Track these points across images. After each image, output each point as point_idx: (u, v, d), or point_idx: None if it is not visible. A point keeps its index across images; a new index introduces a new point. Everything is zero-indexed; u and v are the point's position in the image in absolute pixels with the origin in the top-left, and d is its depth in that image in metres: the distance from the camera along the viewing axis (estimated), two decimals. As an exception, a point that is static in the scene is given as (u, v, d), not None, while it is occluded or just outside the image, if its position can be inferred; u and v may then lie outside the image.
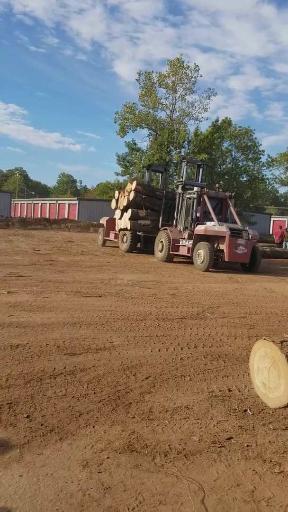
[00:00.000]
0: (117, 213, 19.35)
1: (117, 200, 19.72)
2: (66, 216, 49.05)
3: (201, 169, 19.13)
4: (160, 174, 21.55)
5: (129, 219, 17.75)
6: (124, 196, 18.54)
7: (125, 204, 18.30)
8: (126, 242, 18.50)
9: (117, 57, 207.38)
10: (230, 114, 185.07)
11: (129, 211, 17.82)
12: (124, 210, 18.52)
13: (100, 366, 4.21)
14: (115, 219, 19.88)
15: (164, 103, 35.52)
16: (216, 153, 36.05)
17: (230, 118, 36.83)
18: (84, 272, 11.17)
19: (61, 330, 5.36)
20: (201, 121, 36.91)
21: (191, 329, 5.98)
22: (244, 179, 39.18)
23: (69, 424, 3.01)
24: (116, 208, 19.71)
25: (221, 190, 17.29)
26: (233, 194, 17.40)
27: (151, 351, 4.83)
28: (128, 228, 17.82)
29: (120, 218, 18.96)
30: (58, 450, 2.67)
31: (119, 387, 3.73)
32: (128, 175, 37.08)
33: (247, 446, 2.91)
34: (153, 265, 14.67)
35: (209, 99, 35.19)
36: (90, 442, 2.79)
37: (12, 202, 54.05)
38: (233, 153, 38.96)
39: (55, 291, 7.98)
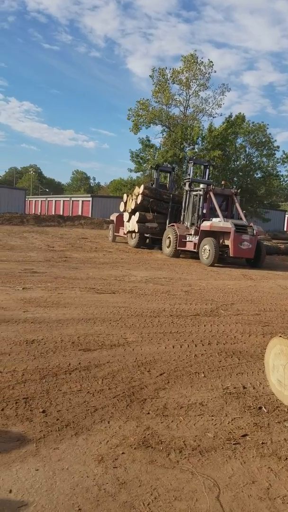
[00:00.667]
0: (126, 215, 19.73)
1: (125, 203, 20.12)
2: (79, 213, 49.28)
3: (207, 170, 19.61)
4: (168, 174, 21.83)
5: (137, 221, 18.23)
6: (132, 200, 18.92)
7: (133, 207, 18.72)
8: (134, 238, 19.20)
9: (130, 53, 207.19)
10: (244, 109, 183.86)
11: (137, 214, 18.26)
12: (132, 213, 18.88)
13: (115, 362, 4.23)
14: (122, 215, 20.40)
15: (177, 99, 35.41)
16: (229, 149, 35.77)
17: (244, 114, 36.53)
18: (98, 268, 11.21)
19: (75, 326, 5.39)
20: (215, 117, 36.80)
21: (205, 326, 5.97)
22: (258, 175, 38.82)
23: (84, 419, 3.03)
24: (124, 211, 20.09)
25: (234, 188, 17.52)
26: (238, 190, 17.67)
27: (165, 347, 4.83)
28: (136, 231, 18.29)
29: (128, 221, 19.37)
30: (74, 445, 2.69)
31: (134, 383, 3.75)
32: (142, 172, 37.10)
33: (262, 443, 2.90)
34: (166, 262, 14.66)
35: (223, 95, 34.98)
36: (105, 437, 2.81)
37: (26, 199, 54.42)
38: (247, 149, 38.65)
39: (69, 287, 8.03)
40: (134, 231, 18.56)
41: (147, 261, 14.28)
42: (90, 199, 52.31)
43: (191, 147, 34.60)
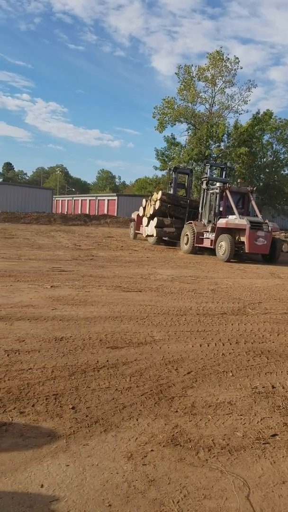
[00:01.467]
0: (144, 220, 20.38)
1: (144, 208, 20.80)
2: (105, 212, 49.56)
3: (224, 171, 20.10)
4: (187, 175, 22.39)
5: (155, 227, 18.73)
6: (151, 205, 19.48)
7: (151, 212, 19.31)
8: (153, 237, 19.84)
9: (155, 52, 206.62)
10: (271, 106, 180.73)
11: (155, 219, 18.84)
12: (151, 218, 19.46)
13: (142, 360, 4.24)
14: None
15: (203, 96, 35.21)
16: (256, 146, 35.34)
17: (271, 111, 36.00)
18: (124, 267, 11.26)
19: (103, 324, 5.44)
20: (241, 113, 36.57)
21: (232, 324, 5.92)
22: (286, 172, 38.22)
23: (113, 416, 3.06)
24: (143, 216, 20.75)
25: (250, 186, 18.40)
26: (254, 188, 17.96)
27: (192, 346, 4.82)
28: (154, 235, 18.86)
29: (147, 225, 19.97)
30: (103, 442, 2.72)
31: (161, 381, 3.75)
32: (167, 170, 37.03)
33: (293, 444, 2.86)
34: (192, 260, 14.61)
35: (249, 91, 34.60)
36: (134, 434, 2.83)
37: (53, 198, 55.12)
38: (274, 145, 38.06)
39: (96, 285, 8.09)
40: (152, 235, 19.22)
41: (173, 260, 14.26)
42: (115, 198, 52.56)
43: (216, 144, 34.36)
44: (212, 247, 15.76)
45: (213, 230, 15.84)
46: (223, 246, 14.90)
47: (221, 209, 16.38)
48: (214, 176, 19.84)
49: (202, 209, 17.52)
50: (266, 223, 15.29)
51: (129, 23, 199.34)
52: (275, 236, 16.00)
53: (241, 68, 35.00)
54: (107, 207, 52.47)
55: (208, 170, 18.78)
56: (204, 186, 17.61)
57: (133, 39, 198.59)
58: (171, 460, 2.56)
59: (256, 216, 16.43)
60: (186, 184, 22.35)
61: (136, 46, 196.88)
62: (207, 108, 36.07)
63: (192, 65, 34.76)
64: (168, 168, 23.41)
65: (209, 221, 16.60)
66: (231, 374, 4.04)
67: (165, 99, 34.57)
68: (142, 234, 21.11)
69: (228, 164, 26.43)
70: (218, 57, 33.61)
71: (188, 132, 36.15)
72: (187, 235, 17.12)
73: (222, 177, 19.68)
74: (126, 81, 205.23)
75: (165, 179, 36.12)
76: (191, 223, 17.21)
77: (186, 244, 17.08)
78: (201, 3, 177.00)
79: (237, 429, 3.00)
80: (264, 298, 8.18)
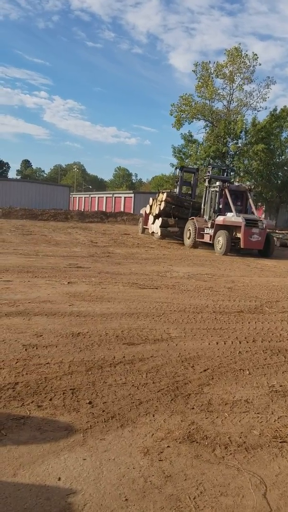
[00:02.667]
0: (151, 218, 21.35)
1: (151, 206, 21.75)
2: (122, 209, 49.68)
3: (225, 173, 21.72)
4: (193, 174, 23.26)
5: (160, 226, 19.65)
6: (157, 205, 20.40)
7: (157, 212, 20.22)
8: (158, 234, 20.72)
9: (172, 49, 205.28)
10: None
11: (160, 219, 19.72)
12: (156, 217, 20.39)
13: (158, 356, 4.25)
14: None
15: (221, 93, 34.95)
16: (274, 143, 34.95)
17: (290, 107, 35.49)
18: (140, 264, 11.27)
19: (119, 320, 5.46)
20: (259, 110, 35.95)
21: (249, 323, 5.89)
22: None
23: (130, 411, 3.07)
24: (149, 213, 21.69)
25: (248, 184, 19.80)
26: (253, 187, 19.39)
27: (209, 343, 4.80)
28: (159, 234, 19.76)
29: (153, 223, 20.86)
30: (120, 437, 2.73)
31: (178, 378, 3.75)
32: (173, 169, 36.91)
33: (310, 443, 2.83)
34: (208, 258, 14.55)
35: (268, 88, 34.19)
36: (150, 430, 2.84)
37: (70, 195, 55.43)
38: (292, 142, 37.59)
39: (112, 282, 8.12)
40: (157, 234, 20.25)
41: (189, 257, 14.22)
42: (132, 195, 52.64)
43: (234, 141, 34.09)
44: (211, 242, 16.81)
45: (212, 226, 16.86)
46: (220, 241, 16.00)
47: (220, 206, 17.35)
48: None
49: (204, 206, 18.53)
50: (261, 220, 16.45)
51: (147, 20, 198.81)
52: (269, 233, 17.14)
53: (260, 64, 34.68)
54: (123, 205, 52.58)
55: (211, 169, 19.85)
56: (206, 184, 18.64)
57: (151, 36, 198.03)
58: (187, 457, 2.56)
59: (253, 213, 17.64)
60: (192, 182, 23.18)
61: (153, 43, 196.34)
62: (225, 105, 35.83)
63: (209, 62, 34.61)
64: (175, 167, 23.90)
65: (209, 217, 17.52)
66: (247, 372, 4.02)
67: (183, 96, 34.45)
68: (149, 229, 22.00)
69: (230, 166, 28.12)
70: (236, 54, 33.31)
71: (206, 129, 35.96)
72: (189, 230, 18.23)
73: (224, 176, 20.88)
74: (144, 78, 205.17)
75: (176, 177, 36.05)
76: (193, 218, 18.28)
77: (189, 238, 18.21)
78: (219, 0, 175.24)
79: (254, 427, 2.99)
80: (281, 296, 8.10)
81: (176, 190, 21.92)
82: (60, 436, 2.70)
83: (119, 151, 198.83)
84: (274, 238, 21.16)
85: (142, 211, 24.31)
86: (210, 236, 16.85)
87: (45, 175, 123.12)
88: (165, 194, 20.22)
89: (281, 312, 6.68)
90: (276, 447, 2.75)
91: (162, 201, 19.77)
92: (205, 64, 34.09)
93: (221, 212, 17.04)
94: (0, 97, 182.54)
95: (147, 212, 22.19)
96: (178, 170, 23.04)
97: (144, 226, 23.16)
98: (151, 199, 22.15)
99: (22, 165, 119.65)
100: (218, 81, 34.92)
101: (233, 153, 34.16)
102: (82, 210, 47.63)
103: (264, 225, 15.99)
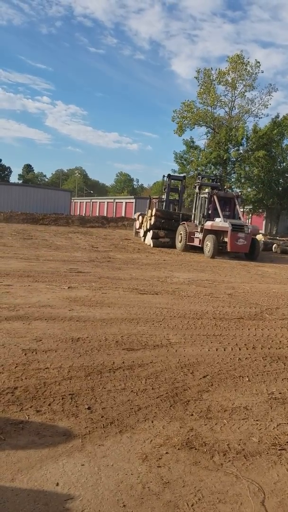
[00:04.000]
0: (141, 232, 22.66)
1: (140, 223, 23.32)
2: (123, 214, 49.75)
3: (214, 182, 22.31)
4: (180, 181, 24.62)
5: (151, 238, 20.52)
6: (147, 220, 21.56)
7: (148, 227, 21.24)
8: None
9: (174, 55, 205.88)
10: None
11: (151, 232, 20.68)
12: (148, 230, 21.44)
13: (158, 362, 4.25)
14: (144, 214, 23.80)
15: (223, 100, 35.07)
16: (275, 150, 35.02)
17: (291, 114, 35.58)
18: (141, 269, 11.28)
19: (119, 326, 5.46)
20: (261, 117, 36.03)
21: (249, 329, 5.88)
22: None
23: (129, 417, 3.07)
24: (139, 228, 23.41)
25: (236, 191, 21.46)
26: (240, 194, 20.81)
27: (208, 350, 4.80)
28: (152, 246, 20.43)
29: (144, 236, 21.98)
30: (118, 442, 2.73)
31: (177, 384, 3.75)
32: (185, 173, 36.99)
33: (309, 451, 2.82)
34: (209, 264, 14.56)
35: (269, 95, 34.31)
36: (149, 436, 2.83)
37: (72, 200, 55.53)
38: (294, 150, 37.64)
39: (113, 287, 8.13)
40: (150, 245, 20.89)
41: (190, 263, 14.23)
42: (133, 200, 52.74)
43: (235, 148, 34.18)
44: (200, 245, 17.75)
45: (201, 231, 17.80)
46: (208, 245, 16.96)
47: (209, 212, 18.31)
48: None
49: (194, 211, 19.57)
50: (247, 225, 17.58)
51: (149, 26, 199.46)
52: (254, 237, 18.13)
53: (262, 71, 34.77)
54: (124, 210, 52.68)
55: (200, 177, 20.90)
56: (196, 190, 19.63)
57: (153, 42, 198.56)
58: (186, 463, 2.56)
59: (240, 219, 18.73)
60: (179, 189, 24.47)
61: (156, 49, 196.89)
62: (226, 112, 35.94)
63: (212, 68, 34.70)
64: (163, 175, 24.80)
65: (199, 223, 18.49)
66: (247, 379, 4.02)
67: (185, 103, 34.54)
68: (140, 233, 23.69)
69: (218, 175, 29.40)
70: (238, 61, 33.46)
71: (207, 136, 36.06)
72: (181, 234, 19.12)
73: (213, 183, 21.88)
74: (146, 84, 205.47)
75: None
76: (184, 223, 19.21)
77: (180, 242, 19.08)
78: (221, 7, 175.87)
79: (253, 434, 2.98)
80: (281, 303, 8.10)
81: (164, 196, 23.87)
82: (58, 441, 2.69)
83: (121, 157, 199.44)
84: (275, 244, 22.59)
85: (135, 216, 26.25)
86: (200, 240, 17.87)
87: (46, 179, 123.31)
88: (154, 209, 21.59)
89: (281, 319, 6.68)
90: (275, 455, 2.75)
91: (151, 216, 21.03)
92: (207, 70, 34.25)
93: (210, 217, 18.10)
94: (2, 102, 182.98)
95: (137, 227, 24.18)
96: (165, 177, 24.31)
97: (137, 230, 24.78)
98: (140, 217, 24.03)
99: (24, 169, 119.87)
100: (220, 87, 35.07)
101: (234, 159, 34.24)
102: (83, 215, 47.72)
103: (249, 230, 17.14)
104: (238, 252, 17.65)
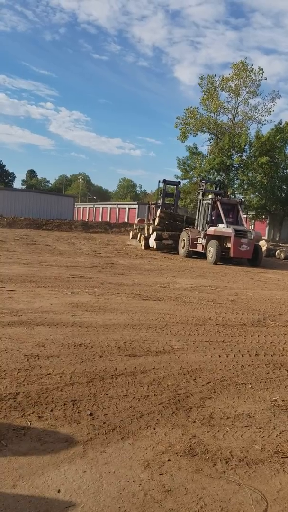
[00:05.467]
0: (142, 242, 22.50)
1: (135, 235, 24.04)
2: (126, 220, 49.78)
3: (218, 187, 23.68)
4: (175, 186, 25.27)
5: (155, 240, 20.49)
6: (149, 225, 21.71)
7: (150, 232, 21.21)
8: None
9: (177, 62, 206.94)
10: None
11: (155, 233, 20.58)
12: (152, 232, 21.35)
13: (160, 369, 4.23)
14: (143, 219, 25.50)
15: (226, 106, 35.17)
16: (278, 156, 35.03)
17: (294, 121, 35.64)
18: (143, 275, 11.28)
19: (121, 332, 5.45)
20: (264, 124, 36.08)
21: (251, 336, 5.86)
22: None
23: (131, 424, 3.05)
24: (133, 237, 24.12)
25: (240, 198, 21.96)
26: (243, 200, 21.08)
27: (211, 356, 4.78)
28: (155, 247, 20.54)
29: (147, 239, 21.63)
30: (120, 449, 2.72)
31: (179, 390, 3.74)
32: (188, 179, 37.04)
33: (312, 459, 2.80)
34: (212, 270, 14.54)
35: (273, 102, 34.40)
36: (151, 443, 2.82)
37: (75, 206, 55.62)
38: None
39: (115, 293, 8.12)
40: (153, 248, 20.83)
41: (192, 269, 14.22)
42: (136, 206, 52.79)
43: (238, 154, 34.22)
44: (203, 251, 17.69)
45: (204, 237, 17.83)
46: (211, 250, 16.85)
47: (213, 218, 18.33)
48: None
49: (198, 217, 19.61)
50: (250, 231, 17.58)
51: (153, 33, 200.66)
52: (257, 243, 18.07)
53: (265, 78, 34.90)
54: (127, 215, 52.73)
55: (204, 183, 21.08)
56: (200, 197, 19.75)
57: (156, 49, 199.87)
58: (188, 471, 2.54)
59: (243, 225, 18.81)
60: (174, 194, 25.15)
61: (159, 56, 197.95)
62: (229, 118, 36.03)
63: (215, 75, 34.85)
64: (159, 180, 25.39)
65: (202, 228, 18.53)
66: (250, 386, 4.00)
67: (188, 109, 34.67)
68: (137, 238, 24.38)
69: (222, 181, 30.31)
70: (242, 68, 33.59)
71: (210, 142, 36.15)
72: (183, 240, 19.13)
73: (217, 190, 22.35)
74: (149, 91, 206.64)
75: (186, 188, 36.14)
76: (187, 229, 19.27)
77: (183, 248, 19.04)
78: (224, 14, 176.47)
79: (256, 442, 2.96)
80: (284, 310, 8.07)
81: (160, 202, 24.16)
82: (60, 448, 2.68)
83: (124, 163, 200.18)
84: (278, 250, 22.63)
85: (135, 221, 27.96)
86: (202, 245, 17.84)
87: (50, 185, 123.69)
88: (158, 210, 21.76)
89: (284, 326, 6.65)
90: (278, 463, 2.73)
91: (156, 217, 21.17)
92: (211, 77, 34.38)
93: (213, 223, 18.09)
94: (6, 108, 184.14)
95: (130, 237, 24.71)
96: (161, 183, 24.65)
97: (134, 233, 25.80)
98: (136, 221, 24.91)
99: (27, 175, 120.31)
100: (224, 94, 35.19)
101: (237, 165, 34.26)
102: (86, 221, 47.78)
103: (252, 236, 17.16)
104: (241, 258, 17.70)
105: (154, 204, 25.98)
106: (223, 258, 17.05)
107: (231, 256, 17.01)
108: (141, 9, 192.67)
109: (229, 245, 16.94)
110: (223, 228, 17.27)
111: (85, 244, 20.68)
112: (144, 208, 47.80)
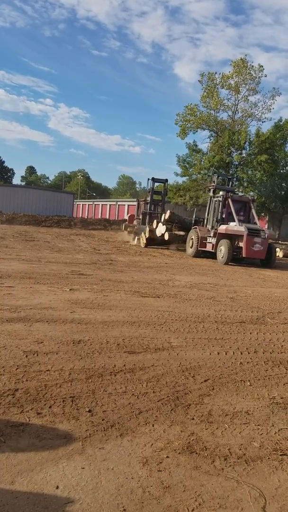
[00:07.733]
0: (133, 235, 22.96)
1: (138, 238, 22.77)
2: (125, 217, 49.69)
3: (230, 182, 22.22)
4: (163, 184, 25.57)
5: (166, 231, 19.80)
6: (156, 227, 20.60)
7: (159, 234, 20.14)
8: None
9: (177, 58, 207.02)
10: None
11: (164, 226, 19.93)
12: (162, 224, 20.49)
13: (159, 366, 4.23)
14: (134, 215, 26.30)
15: (226, 104, 35.14)
16: (278, 154, 35.03)
17: (294, 118, 35.59)
18: (143, 272, 11.27)
19: (120, 328, 5.45)
20: (264, 121, 36.12)
21: (250, 333, 5.87)
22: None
23: (129, 421, 3.05)
24: (133, 238, 22.97)
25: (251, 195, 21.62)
26: (255, 198, 20.02)
27: (210, 353, 4.79)
28: (166, 238, 19.77)
29: (155, 228, 20.74)
30: (119, 446, 2.72)
31: (178, 387, 3.74)
32: (188, 177, 37.04)
33: (311, 456, 2.81)
34: (211, 267, 14.54)
35: (273, 99, 34.37)
36: (149, 440, 2.82)
37: (74, 203, 55.52)
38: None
39: (114, 290, 8.12)
40: (163, 239, 19.94)
41: (192, 266, 14.22)
42: (135, 203, 52.69)
43: (238, 152, 34.21)
44: (213, 251, 16.83)
45: (215, 235, 16.97)
46: (222, 250, 16.03)
47: (223, 216, 17.51)
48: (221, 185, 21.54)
49: (207, 215, 18.58)
50: (263, 230, 16.67)
51: (152, 30, 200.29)
52: (271, 243, 17.34)
53: (265, 76, 34.84)
54: (127, 212, 52.65)
55: (215, 179, 19.97)
56: (210, 193, 18.77)
57: (156, 45, 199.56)
58: (186, 468, 2.54)
59: (255, 223, 17.70)
60: (162, 191, 25.36)
61: (158, 52, 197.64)
62: (229, 116, 36.02)
63: (215, 72, 34.77)
64: (147, 178, 25.97)
65: (212, 227, 17.65)
66: (248, 384, 4.00)
67: (188, 106, 34.66)
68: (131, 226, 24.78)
69: (234, 175, 29.73)
70: (242, 65, 33.54)
71: (210, 139, 36.15)
72: (192, 239, 18.27)
73: (228, 186, 20.93)
74: (148, 87, 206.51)
75: (186, 186, 36.15)
76: (196, 228, 18.39)
77: (191, 247, 18.18)
78: (224, 11, 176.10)
79: (254, 439, 2.97)
80: (283, 307, 8.08)
81: (148, 199, 24.32)
82: (59, 444, 2.68)
83: (123, 159, 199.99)
84: (278, 248, 21.75)
85: (126, 216, 28.85)
86: (213, 245, 16.96)
87: (49, 181, 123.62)
88: (168, 211, 21.07)
89: (283, 323, 6.66)
90: (276, 460, 2.73)
91: (164, 219, 20.62)
92: (211, 74, 34.33)
93: (224, 221, 17.22)
94: (5, 104, 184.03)
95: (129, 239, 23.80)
96: (150, 180, 24.79)
97: (128, 224, 26.41)
98: (134, 239, 23.91)
99: (26, 171, 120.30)
100: (224, 91, 35.15)
101: (237, 163, 34.26)
102: (86, 217, 47.76)
103: (266, 235, 16.22)
104: (254, 259, 16.73)
105: (143, 201, 26.25)
106: (234, 258, 16.13)
107: (244, 256, 16.06)
108: (140, 5, 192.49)
109: (241, 244, 16.00)
110: (235, 226, 16.31)
111: (84, 241, 20.66)
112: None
